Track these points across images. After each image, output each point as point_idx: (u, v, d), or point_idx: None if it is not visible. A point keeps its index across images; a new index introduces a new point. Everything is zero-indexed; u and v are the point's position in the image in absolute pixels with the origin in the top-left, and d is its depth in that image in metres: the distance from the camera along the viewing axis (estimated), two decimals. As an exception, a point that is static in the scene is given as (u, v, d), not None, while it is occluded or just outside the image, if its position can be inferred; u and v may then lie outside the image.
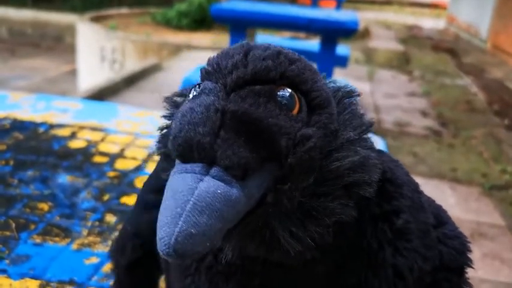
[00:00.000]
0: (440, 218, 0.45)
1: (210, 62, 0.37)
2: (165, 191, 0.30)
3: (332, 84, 0.41)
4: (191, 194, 0.28)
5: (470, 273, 0.46)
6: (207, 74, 0.36)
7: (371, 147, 0.38)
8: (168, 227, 0.27)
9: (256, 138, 0.31)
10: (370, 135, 0.39)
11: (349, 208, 0.35)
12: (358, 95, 0.41)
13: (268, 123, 0.31)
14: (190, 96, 0.35)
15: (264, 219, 0.34)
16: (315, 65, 0.43)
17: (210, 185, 0.29)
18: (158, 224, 0.28)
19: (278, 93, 0.34)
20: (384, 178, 0.40)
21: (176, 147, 0.31)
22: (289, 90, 0.34)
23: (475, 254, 0.48)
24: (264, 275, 0.40)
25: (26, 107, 1.56)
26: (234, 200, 0.29)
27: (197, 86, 0.35)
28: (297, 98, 0.34)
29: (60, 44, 7.53)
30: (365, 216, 0.40)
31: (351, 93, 0.40)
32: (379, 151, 0.43)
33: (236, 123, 0.31)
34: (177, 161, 0.32)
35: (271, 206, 0.33)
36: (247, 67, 0.34)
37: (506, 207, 2.14)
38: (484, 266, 1.63)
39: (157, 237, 0.28)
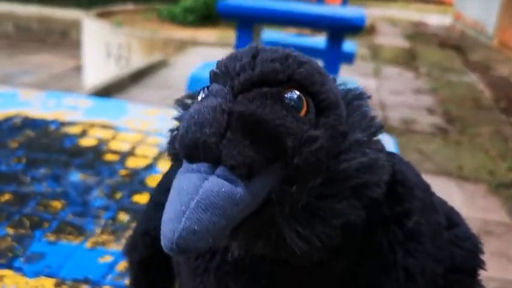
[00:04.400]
0: (452, 219, 0.45)
1: (218, 64, 0.37)
2: (171, 190, 0.30)
3: (342, 87, 0.41)
4: (195, 192, 0.29)
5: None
6: (215, 76, 0.36)
7: (381, 149, 0.37)
8: (171, 223, 0.28)
9: (262, 139, 0.31)
10: (380, 136, 0.39)
11: (357, 209, 0.35)
12: (369, 97, 0.40)
13: (274, 124, 0.31)
14: (199, 98, 0.35)
15: (271, 219, 0.34)
16: (321, 63, 0.43)
17: (215, 184, 0.29)
18: (162, 221, 0.29)
19: (285, 95, 0.34)
20: (394, 180, 0.40)
21: (183, 148, 0.32)
22: (297, 92, 0.34)
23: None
24: (272, 276, 0.40)
25: (36, 105, 1.57)
26: (238, 198, 0.29)
27: (205, 88, 0.36)
28: (304, 100, 0.34)
29: (66, 39, 7.54)
30: (376, 219, 0.39)
31: (360, 96, 0.40)
32: (390, 153, 0.42)
33: (242, 124, 0.31)
34: (184, 161, 0.32)
35: (277, 207, 0.33)
36: (254, 69, 0.34)
37: (513, 205, 2.14)
38: (491, 264, 1.63)
39: (161, 233, 0.29)
